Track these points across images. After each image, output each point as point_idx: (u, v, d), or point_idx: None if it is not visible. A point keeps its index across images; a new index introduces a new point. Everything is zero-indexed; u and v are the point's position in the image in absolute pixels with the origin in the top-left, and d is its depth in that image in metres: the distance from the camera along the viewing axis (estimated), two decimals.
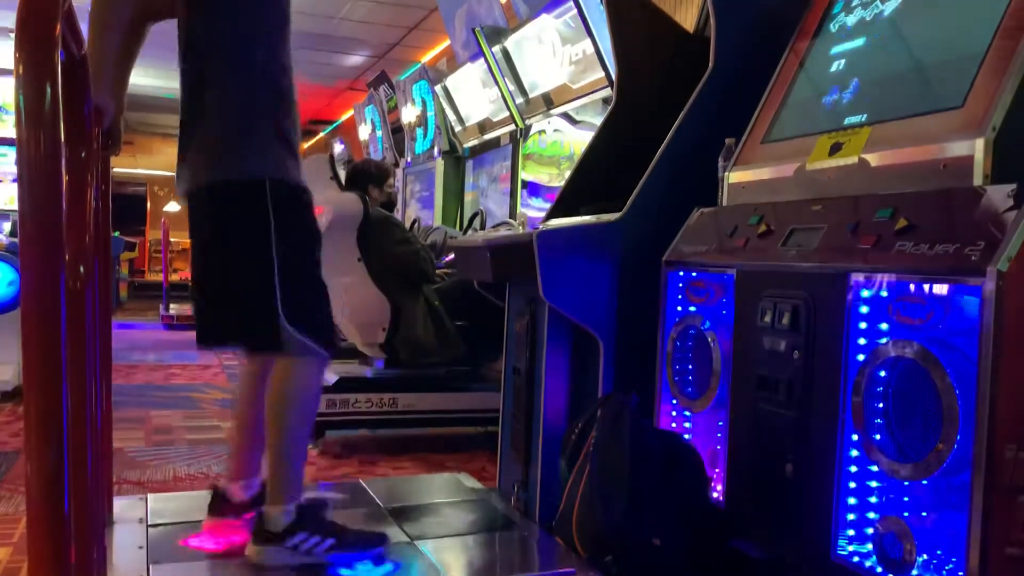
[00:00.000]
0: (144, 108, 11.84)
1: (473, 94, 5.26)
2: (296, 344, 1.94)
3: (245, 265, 1.95)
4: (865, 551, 1.60)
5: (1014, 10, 1.58)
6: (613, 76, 3.02)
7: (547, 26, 4.02)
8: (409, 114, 6.41)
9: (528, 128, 4.71)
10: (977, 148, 1.51)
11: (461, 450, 3.79)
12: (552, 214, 2.78)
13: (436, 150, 6.07)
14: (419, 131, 6.33)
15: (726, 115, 2.28)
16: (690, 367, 2.15)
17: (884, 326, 1.59)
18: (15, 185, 0.96)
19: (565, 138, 4.47)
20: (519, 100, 4.62)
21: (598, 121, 3.28)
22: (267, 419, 2.00)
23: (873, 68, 1.93)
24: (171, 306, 9.63)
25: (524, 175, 4.79)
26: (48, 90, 0.92)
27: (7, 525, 2.63)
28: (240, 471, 2.15)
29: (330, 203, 3.63)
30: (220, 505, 2.12)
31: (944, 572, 1.47)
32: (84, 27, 1.40)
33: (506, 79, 4.62)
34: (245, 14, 1.96)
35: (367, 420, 3.76)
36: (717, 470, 2.05)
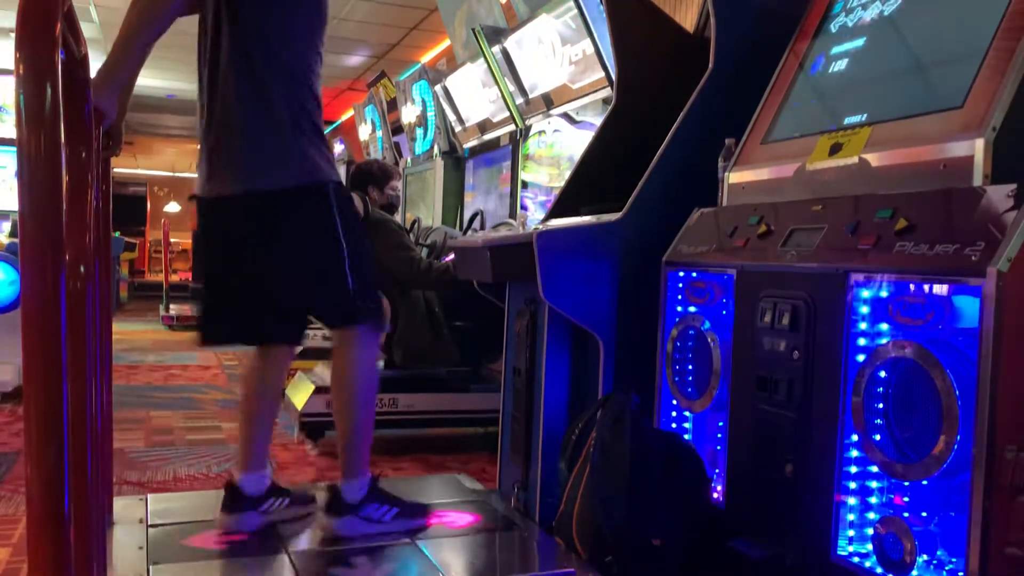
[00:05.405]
0: (145, 108, 11.84)
1: (473, 94, 5.25)
2: (368, 314, 2.12)
3: (322, 262, 2.06)
4: (865, 551, 1.60)
5: (1014, 10, 1.58)
6: (613, 76, 3.02)
7: (547, 26, 4.02)
8: (409, 114, 6.40)
9: (528, 128, 4.71)
10: (977, 148, 1.51)
11: (461, 451, 3.78)
12: (552, 214, 2.78)
13: (436, 150, 6.07)
14: (419, 131, 6.33)
15: (726, 115, 2.28)
16: (690, 367, 2.15)
17: (884, 326, 1.59)
18: (15, 185, 0.96)
19: (565, 138, 4.46)
20: (519, 100, 4.61)
21: (598, 121, 3.28)
22: (339, 398, 2.16)
23: (873, 68, 1.93)
24: (171, 306, 9.62)
25: (524, 175, 4.78)
26: (48, 90, 0.92)
27: (7, 525, 2.62)
28: (250, 463, 2.22)
29: None
30: (236, 501, 2.17)
31: (944, 572, 1.47)
32: (85, 27, 1.40)
33: (506, 79, 4.61)
34: (290, 16, 2.00)
35: None
36: (717, 470, 2.05)
